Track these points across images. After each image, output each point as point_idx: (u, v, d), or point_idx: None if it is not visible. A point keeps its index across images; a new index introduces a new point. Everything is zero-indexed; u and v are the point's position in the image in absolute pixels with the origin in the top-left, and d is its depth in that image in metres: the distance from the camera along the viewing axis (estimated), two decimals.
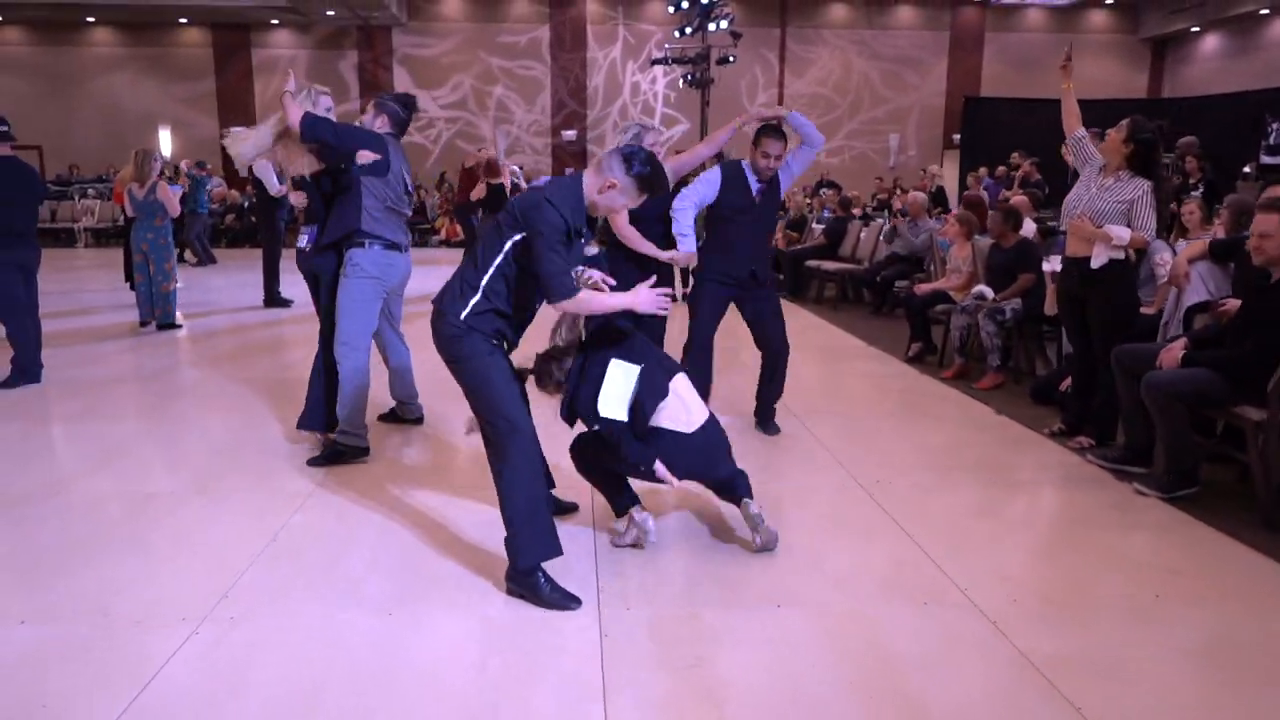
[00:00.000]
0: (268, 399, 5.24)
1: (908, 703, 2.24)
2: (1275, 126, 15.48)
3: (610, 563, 3.05)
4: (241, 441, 4.43)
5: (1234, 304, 3.95)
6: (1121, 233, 4.10)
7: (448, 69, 19.98)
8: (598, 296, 2.79)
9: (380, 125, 4.16)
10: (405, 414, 4.72)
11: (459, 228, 15.98)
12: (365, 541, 3.22)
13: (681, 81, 16.97)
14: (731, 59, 16.14)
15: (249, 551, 3.11)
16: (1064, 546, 3.29)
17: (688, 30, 15.97)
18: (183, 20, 19.35)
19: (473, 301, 2.73)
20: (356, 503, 3.59)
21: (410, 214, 4.27)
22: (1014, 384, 5.72)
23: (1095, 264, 4.20)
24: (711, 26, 15.58)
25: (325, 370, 4.15)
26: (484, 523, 3.33)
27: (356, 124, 4.21)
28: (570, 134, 19.99)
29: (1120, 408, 4.13)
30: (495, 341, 2.79)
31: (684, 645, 2.52)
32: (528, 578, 2.75)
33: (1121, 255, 4.19)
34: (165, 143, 19.76)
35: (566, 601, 2.74)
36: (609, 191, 2.71)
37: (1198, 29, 19.17)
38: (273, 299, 9.14)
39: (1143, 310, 4.87)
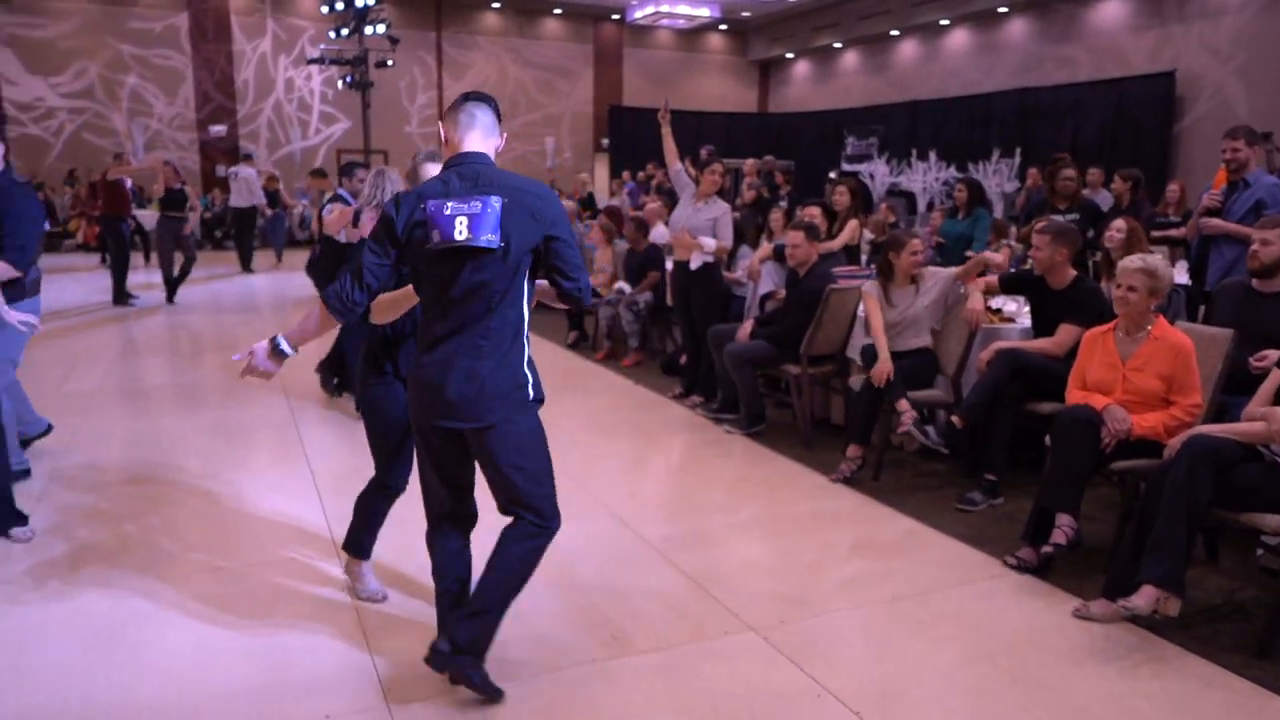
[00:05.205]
0: None
1: (563, 574, 3.28)
2: (850, 140, 19.28)
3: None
4: None
5: (783, 293, 5.56)
6: (709, 243, 5.56)
7: (68, 54, 18.07)
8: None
9: None
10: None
11: (96, 231, 14.84)
12: None
13: (340, 82, 16.99)
14: (390, 63, 16.49)
15: None
16: (678, 472, 4.60)
17: (344, 31, 16.02)
18: None
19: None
20: None
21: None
22: (650, 360, 7.16)
23: (694, 266, 5.64)
24: (369, 30, 15.77)
25: None
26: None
27: None
28: (219, 129, 19.02)
29: (717, 373, 5.60)
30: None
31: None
32: None
33: (712, 259, 5.66)
34: None
35: None
36: None
37: (792, 55, 22.89)
38: None
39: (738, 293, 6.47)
